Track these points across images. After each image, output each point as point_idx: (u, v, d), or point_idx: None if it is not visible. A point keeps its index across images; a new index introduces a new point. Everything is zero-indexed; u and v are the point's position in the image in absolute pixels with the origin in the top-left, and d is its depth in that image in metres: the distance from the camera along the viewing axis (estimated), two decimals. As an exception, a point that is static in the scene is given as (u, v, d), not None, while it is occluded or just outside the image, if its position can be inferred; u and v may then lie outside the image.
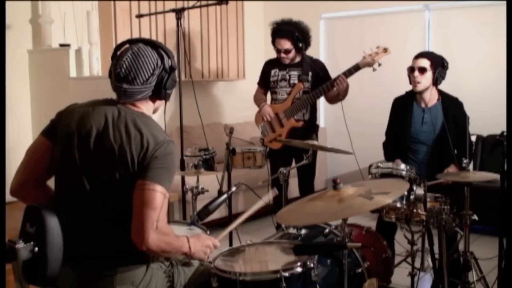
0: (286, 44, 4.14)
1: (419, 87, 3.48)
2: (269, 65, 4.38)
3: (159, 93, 1.98)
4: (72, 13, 5.10)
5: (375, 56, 3.92)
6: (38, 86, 5.05)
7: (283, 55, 4.20)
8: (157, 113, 2.17)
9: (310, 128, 4.16)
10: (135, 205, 1.82)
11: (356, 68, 3.98)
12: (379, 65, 3.94)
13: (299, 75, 4.21)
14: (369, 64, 3.94)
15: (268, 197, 2.48)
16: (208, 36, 5.64)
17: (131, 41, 2.00)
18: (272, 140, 4.20)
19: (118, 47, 2.01)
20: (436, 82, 3.48)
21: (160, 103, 2.06)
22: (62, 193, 1.96)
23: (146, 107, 1.99)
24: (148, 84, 1.94)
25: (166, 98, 2.03)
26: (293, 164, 4.11)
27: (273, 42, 4.26)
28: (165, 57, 1.97)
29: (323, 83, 4.10)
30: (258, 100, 4.43)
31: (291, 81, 4.23)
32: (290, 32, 4.14)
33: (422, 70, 3.45)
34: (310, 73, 4.21)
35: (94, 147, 1.89)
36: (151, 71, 1.93)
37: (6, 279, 2.13)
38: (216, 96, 6.19)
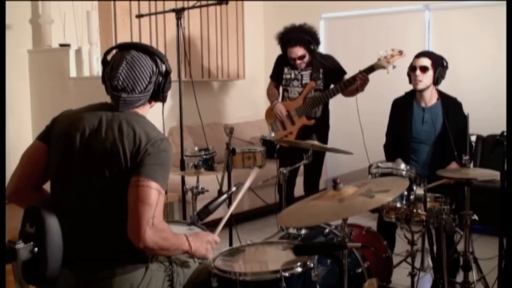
0: (300, 51, 4.09)
1: (421, 86, 3.48)
2: (282, 61, 4.30)
3: (157, 97, 2.00)
4: (72, 13, 5.10)
5: (390, 58, 3.85)
6: (38, 86, 5.05)
7: (298, 61, 4.14)
8: (157, 115, 2.17)
9: (322, 126, 4.12)
10: (130, 201, 1.81)
11: (370, 69, 3.91)
12: (394, 67, 3.85)
13: (311, 74, 4.17)
14: (384, 66, 3.87)
15: (252, 177, 2.54)
16: (208, 36, 5.64)
17: (122, 48, 1.98)
18: (281, 138, 4.15)
19: (108, 52, 1.99)
20: (436, 81, 3.48)
21: (155, 103, 2.06)
22: (58, 195, 1.96)
23: (142, 109, 1.99)
24: (147, 92, 1.95)
25: (163, 100, 2.03)
26: None
27: (284, 53, 4.19)
28: (159, 61, 1.97)
29: (336, 79, 4.07)
30: (271, 96, 4.38)
31: (303, 81, 4.20)
32: (300, 38, 4.08)
33: (424, 69, 3.45)
34: (321, 70, 4.16)
35: (87, 148, 1.89)
36: (148, 79, 1.93)
37: (6, 279, 2.12)
38: (216, 96, 6.18)
